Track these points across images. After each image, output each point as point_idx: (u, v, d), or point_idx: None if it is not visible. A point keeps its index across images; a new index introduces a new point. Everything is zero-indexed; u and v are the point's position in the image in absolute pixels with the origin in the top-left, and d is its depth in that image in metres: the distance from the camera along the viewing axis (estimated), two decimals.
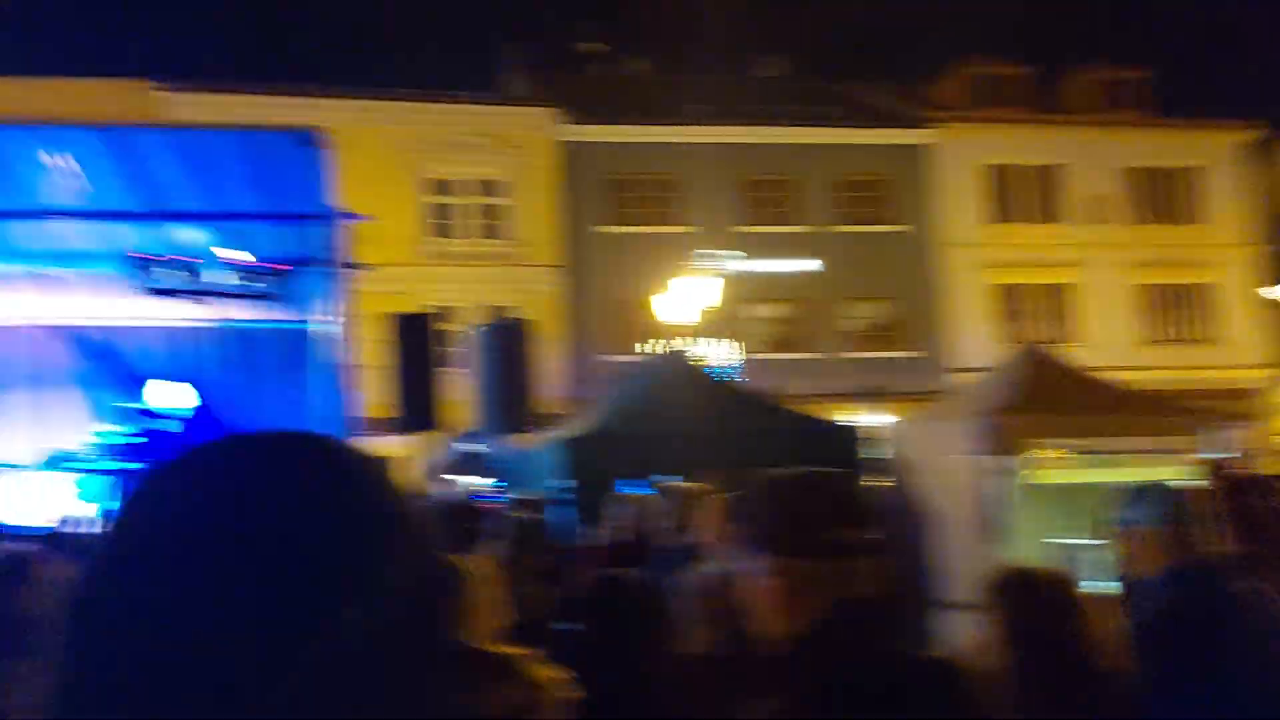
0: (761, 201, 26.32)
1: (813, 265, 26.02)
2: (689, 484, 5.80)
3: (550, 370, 18.93)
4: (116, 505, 0.68)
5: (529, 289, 23.67)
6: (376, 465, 0.71)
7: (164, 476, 0.68)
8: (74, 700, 0.59)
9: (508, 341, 8.53)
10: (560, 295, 24.14)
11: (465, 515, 4.77)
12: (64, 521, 6.87)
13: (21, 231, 10.01)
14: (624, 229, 24.84)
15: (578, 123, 24.61)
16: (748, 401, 11.50)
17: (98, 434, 10.12)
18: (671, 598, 3.27)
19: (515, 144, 23.99)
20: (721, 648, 2.94)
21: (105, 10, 57.93)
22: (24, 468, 10.90)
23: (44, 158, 8.82)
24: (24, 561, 1.95)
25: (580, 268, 24.39)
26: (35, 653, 1.83)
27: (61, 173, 9.00)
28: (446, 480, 11.77)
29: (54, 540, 5.81)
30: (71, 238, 10.31)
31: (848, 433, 11.03)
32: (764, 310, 25.91)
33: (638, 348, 21.96)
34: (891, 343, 26.56)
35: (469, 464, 20.55)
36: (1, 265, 10.72)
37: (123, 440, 9.68)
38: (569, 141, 24.56)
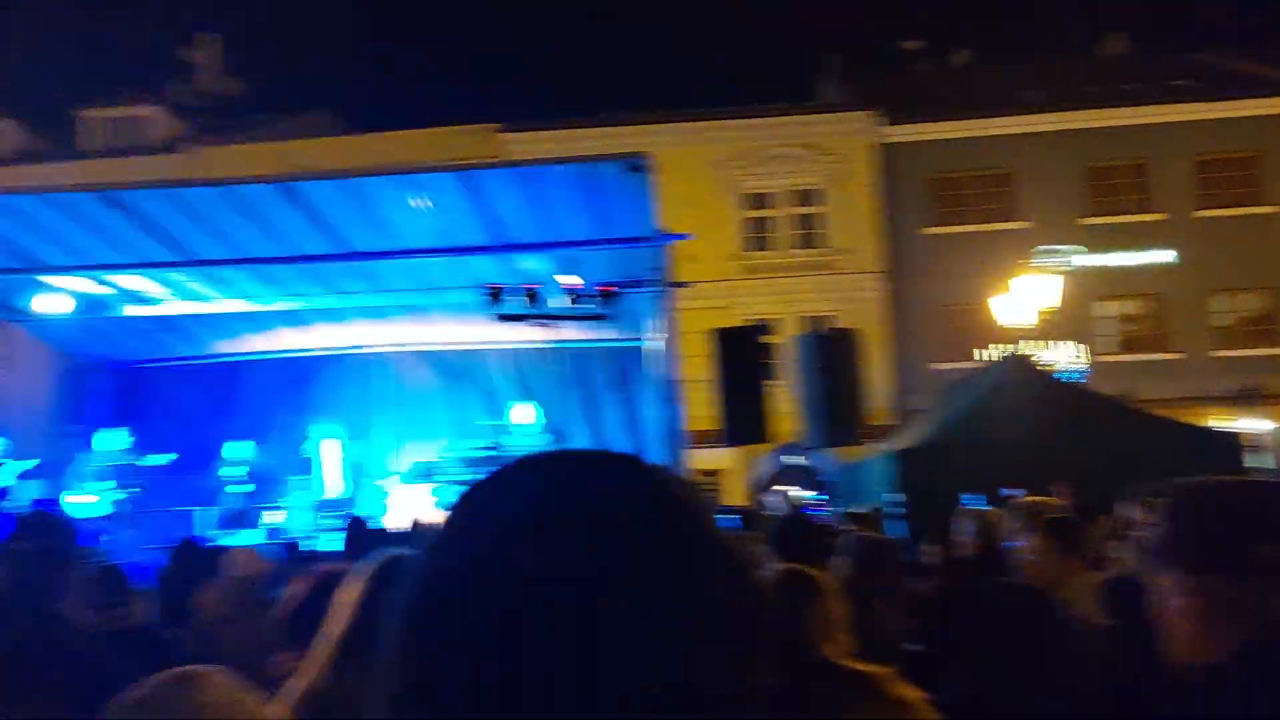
0: (1108, 190, 24.06)
1: (1167, 256, 23.42)
2: (1037, 497, 5.32)
3: (875, 380, 18.40)
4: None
5: (849, 297, 23.24)
6: (686, 484, 0.70)
7: (483, 490, 0.69)
8: (402, 707, 0.59)
9: (834, 351, 8.34)
10: (883, 302, 23.47)
11: (814, 532, 4.65)
12: (414, 525, 7.52)
13: (391, 269, 11.24)
14: (952, 229, 23.70)
15: (898, 123, 23.86)
16: (1102, 408, 10.50)
17: (456, 447, 11.09)
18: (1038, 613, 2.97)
19: (832, 151, 23.70)
20: (1116, 673, 2.61)
21: (454, 66, 64.37)
22: (396, 478, 12.24)
23: (408, 202, 9.84)
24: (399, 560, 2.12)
25: (904, 273, 23.58)
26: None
27: (422, 214, 9.99)
28: (775, 492, 11.72)
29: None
30: (432, 272, 11.45)
31: (1227, 439, 9.75)
32: (1114, 308, 23.66)
33: (976, 354, 20.86)
34: (1270, 338, 23.27)
35: (793, 476, 20.54)
36: (376, 300, 12.13)
37: (477, 453, 10.55)
38: (890, 143, 23.87)
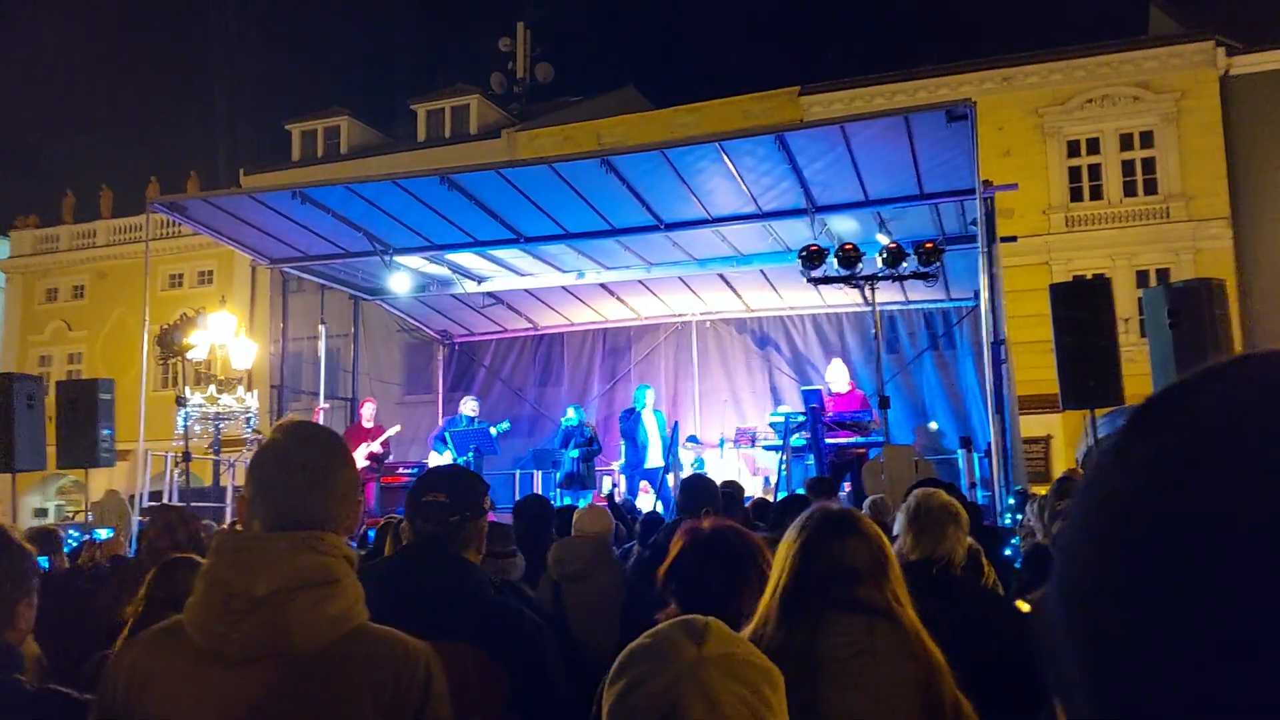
0: None
1: None
2: None
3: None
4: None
5: (1187, 247, 20.84)
6: None
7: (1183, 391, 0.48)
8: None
9: (1192, 306, 7.44)
10: (1227, 252, 20.87)
11: None
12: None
13: (704, 238, 11.39)
14: None
15: (1244, 52, 21.01)
16: None
17: (774, 414, 11.06)
18: None
19: (1167, 88, 21.28)
20: None
21: (751, 33, 64.39)
22: (717, 446, 12.44)
23: (718, 170, 9.89)
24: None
25: (1252, 220, 20.81)
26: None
27: (734, 181, 10.01)
28: None
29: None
30: (746, 239, 11.49)
31: None
32: None
33: None
34: None
35: None
36: (691, 269, 12.36)
37: (793, 419, 10.46)
38: (1235, 75, 21.09)
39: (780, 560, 2.04)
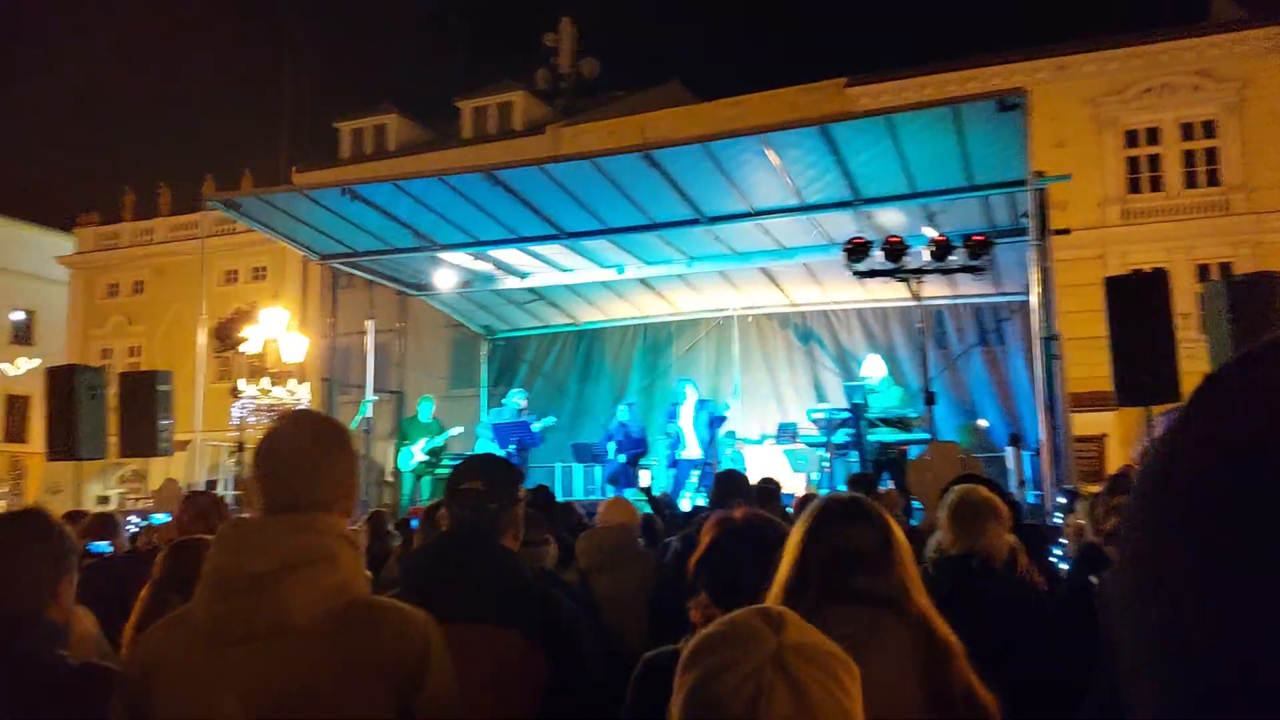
0: None
1: None
2: None
3: None
4: None
5: (1251, 240, 20.30)
6: None
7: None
8: None
9: (1254, 300, 7.26)
10: None
11: None
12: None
13: (747, 232, 11.35)
14: None
15: None
16: None
17: (815, 409, 10.99)
18: None
19: (1230, 76, 20.75)
20: None
21: (796, 25, 63.94)
22: (758, 441, 12.39)
23: (761, 163, 9.84)
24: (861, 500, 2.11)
25: None
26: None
27: (777, 174, 9.96)
28: None
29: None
30: (788, 232, 11.42)
31: None
32: None
33: None
34: None
35: None
36: (732, 263, 12.32)
37: (834, 415, 10.38)
38: None
39: (788, 549, 2.03)
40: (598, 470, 12.34)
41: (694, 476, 11.32)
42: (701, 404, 11.76)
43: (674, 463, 11.68)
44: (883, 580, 1.98)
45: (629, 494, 10.42)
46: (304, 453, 1.70)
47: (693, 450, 11.60)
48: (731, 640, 1.17)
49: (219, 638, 1.55)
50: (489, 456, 2.71)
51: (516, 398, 12.49)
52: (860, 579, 1.96)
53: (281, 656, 1.53)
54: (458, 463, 2.68)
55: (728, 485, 4.76)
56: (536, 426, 11.72)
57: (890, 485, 9.35)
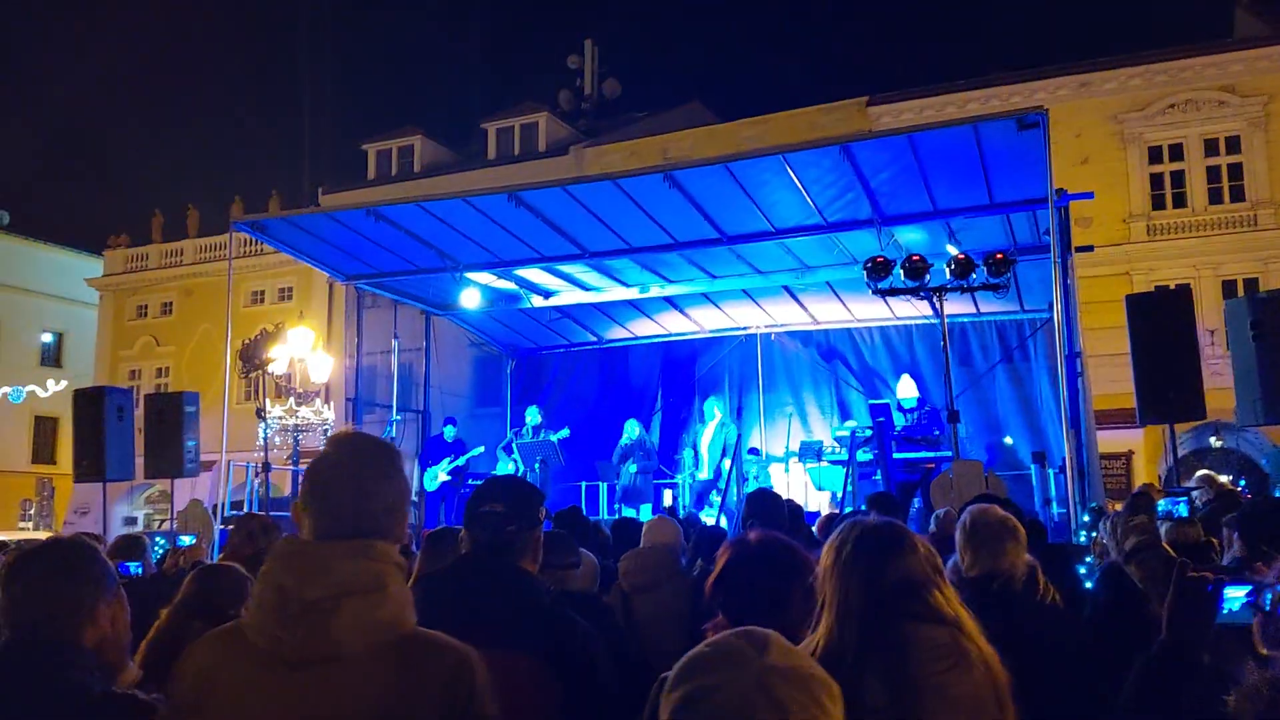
0: None
1: None
2: None
3: None
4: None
5: (1278, 255, 20.13)
6: None
7: None
8: None
9: (1277, 316, 7.20)
10: None
11: None
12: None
13: (769, 251, 11.36)
14: None
15: None
16: None
17: (839, 427, 10.97)
18: None
19: (1254, 91, 20.61)
20: None
21: (817, 45, 64.05)
22: (780, 459, 12.38)
23: (782, 183, 9.87)
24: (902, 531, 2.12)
25: None
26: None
27: (798, 193, 9.98)
28: (1199, 477, 10.41)
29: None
30: (810, 251, 11.42)
31: None
32: None
33: None
34: None
35: (1211, 460, 18.18)
36: (755, 282, 12.34)
37: (858, 433, 10.36)
38: None
39: (834, 577, 2.04)
40: (617, 488, 12.40)
41: (714, 496, 11.32)
42: (722, 426, 11.77)
43: (699, 482, 11.71)
44: (945, 601, 2.00)
45: (645, 512, 10.42)
46: (357, 476, 1.69)
47: (706, 470, 11.61)
48: (716, 662, 1.18)
49: (273, 660, 1.56)
50: (510, 478, 2.72)
51: (532, 415, 12.60)
52: (929, 600, 1.99)
53: (333, 685, 1.55)
54: (480, 483, 2.70)
55: (760, 505, 4.73)
56: (554, 439, 11.79)
57: (918, 505, 9.33)
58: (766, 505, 4.54)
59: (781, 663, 1.17)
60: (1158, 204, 21.19)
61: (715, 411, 11.78)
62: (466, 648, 1.69)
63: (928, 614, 1.97)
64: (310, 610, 1.55)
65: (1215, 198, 20.98)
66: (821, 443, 11.51)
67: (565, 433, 12.36)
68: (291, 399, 14.31)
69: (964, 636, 1.97)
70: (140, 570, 4.97)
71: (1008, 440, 12.32)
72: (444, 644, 1.67)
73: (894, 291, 9.51)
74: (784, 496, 6.16)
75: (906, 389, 11.19)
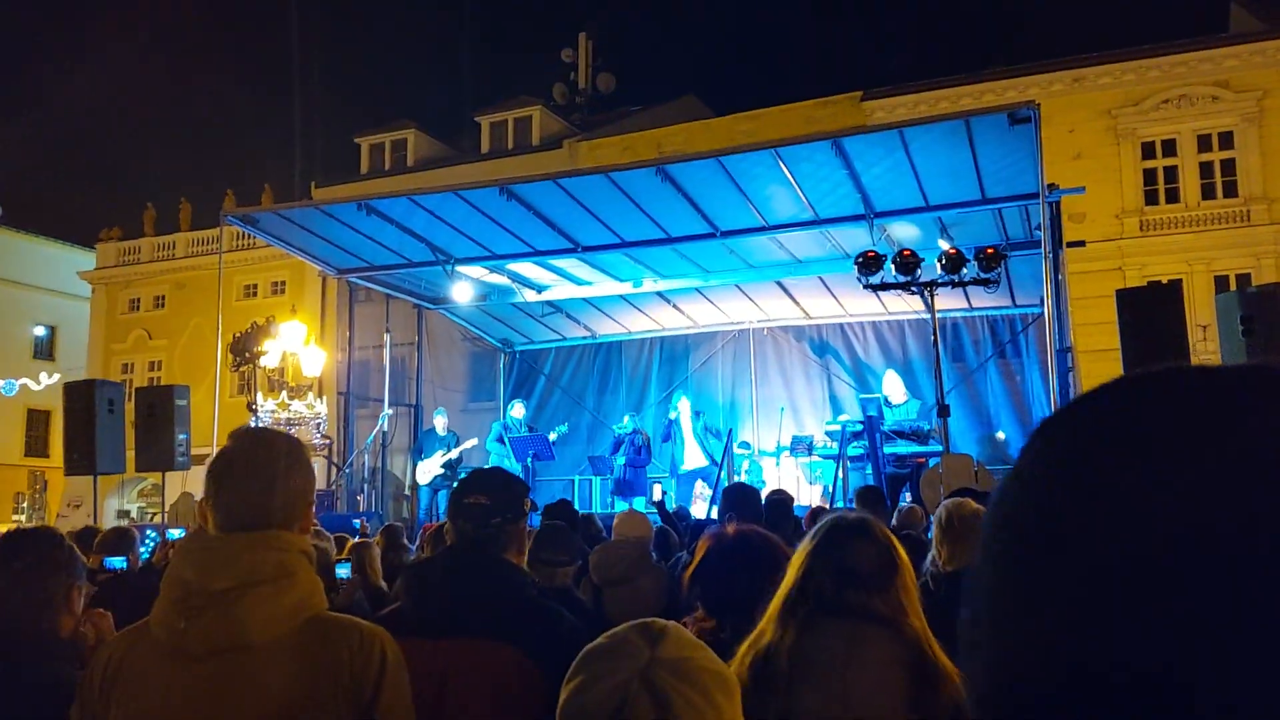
0: None
1: None
2: None
3: None
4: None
5: (1274, 251, 20.14)
6: None
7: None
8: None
9: (1267, 311, 7.22)
10: None
11: None
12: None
13: (761, 246, 11.37)
14: None
15: None
16: None
17: (831, 422, 10.99)
18: None
19: (1248, 87, 20.63)
20: None
21: (812, 39, 64.04)
22: (772, 454, 12.39)
23: (774, 177, 9.87)
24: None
25: None
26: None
27: (791, 188, 9.98)
28: None
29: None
30: (803, 246, 11.43)
31: None
32: None
33: None
34: None
35: None
36: (748, 277, 12.34)
37: (849, 427, 10.38)
38: None
39: (792, 564, 2.05)
40: (609, 481, 12.43)
41: (700, 485, 11.36)
42: (696, 414, 11.86)
43: (674, 473, 11.80)
44: (879, 598, 2.00)
45: (638, 504, 10.43)
46: (260, 469, 1.70)
47: (694, 459, 11.63)
48: (608, 653, 1.19)
49: (179, 654, 1.57)
50: (495, 470, 2.72)
51: (515, 408, 12.67)
52: (854, 595, 1.98)
53: (241, 674, 1.56)
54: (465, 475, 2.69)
55: (736, 498, 4.76)
56: (552, 437, 11.81)
57: (909, 500, 9.34)
58: (743, 498, 4.55)
59: (671, 655, 1.17)
60: (1151, 199, 21.23)
61: (683, 405, 11.91)
62: (376, 627, 1.71)
63: (844, 607, 1.99)
64: (215, 601, 1.57)
65: (1208, 193, 21.02)
66: (813, 437, 11.52)
67: (564, 429, 12.37)
68: (284, 393, 14.28)
69: (881, 633, 1.97)
70: (125, 565, 4.96)
71: (999, 435, 12.35)
72: (350, 624, 1.69)
73: (886, 286, 9.52)
74: (774, 489, 6.16)
75: (893, 386, 11.21)
